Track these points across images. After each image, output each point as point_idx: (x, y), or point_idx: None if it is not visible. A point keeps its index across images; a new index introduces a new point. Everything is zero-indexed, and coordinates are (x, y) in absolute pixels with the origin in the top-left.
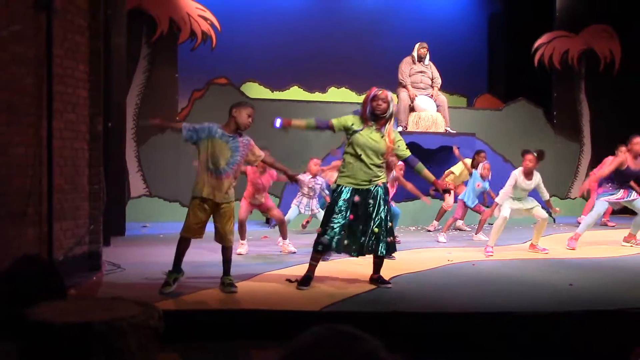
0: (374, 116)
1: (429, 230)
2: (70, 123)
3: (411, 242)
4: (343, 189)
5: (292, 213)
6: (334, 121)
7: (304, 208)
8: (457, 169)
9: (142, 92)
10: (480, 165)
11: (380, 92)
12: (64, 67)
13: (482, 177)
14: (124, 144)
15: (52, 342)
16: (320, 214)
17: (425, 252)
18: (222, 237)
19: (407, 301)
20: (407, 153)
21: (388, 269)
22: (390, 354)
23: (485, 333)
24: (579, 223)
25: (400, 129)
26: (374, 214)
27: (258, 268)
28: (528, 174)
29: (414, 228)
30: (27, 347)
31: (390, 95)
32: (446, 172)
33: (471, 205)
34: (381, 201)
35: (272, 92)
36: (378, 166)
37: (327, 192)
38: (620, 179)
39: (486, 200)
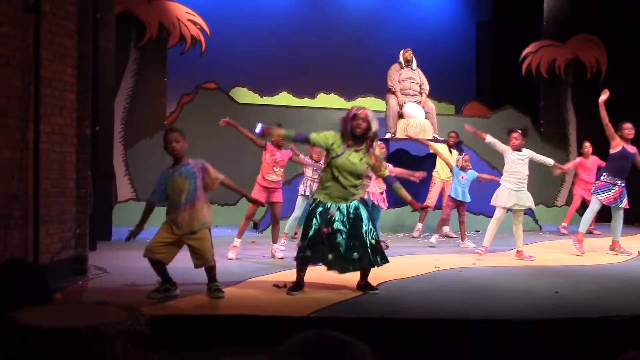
0: (354, 136)
1: (415, 237)
2: (58, 126)
3: (398, 249)
4: (319, 202)
5: (297, 211)
6: (313, 135)
7: (309, 191)
8: (440, 149)
9: (131, 96)
10: (460, 158)
11: (360, 111)
12: (52, 70)
13: (463, 169)
14: (111, 147)
15: (37, 347)
16: None
17: (412, 259)
18: (201, 260)
19: (394, 307)
20: (386, 172)
21: (375, 276)
22: (377, 359)
23: (472, 340)
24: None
25: (388, 135)
26: (356, 228)
27: (245, 273)
28: (517, 151)
29: (401, 234)
30: (11, 352)
31: (371, 114)
32: (433, 175)
33: (461, 198)
34: (360, 215)
35: (261, 97)
36: (355, 186)
37: None
38: (622, 165)
39: (482, 180)
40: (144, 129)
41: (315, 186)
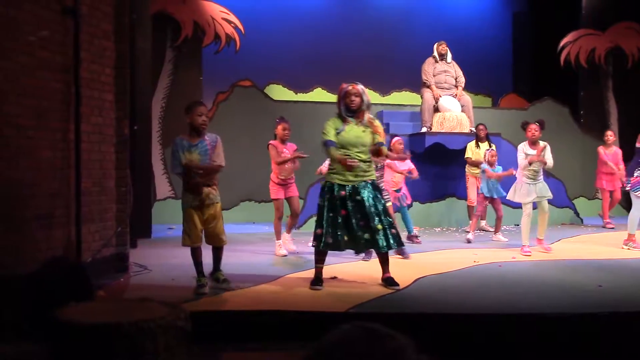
0: (351, 112)
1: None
2: (98, 126)
3: (437, 243)
4: (331, 186)
5: None
6: (326, 137)
7: None
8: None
9: (167, 95)
10: (487, 153)
11: (351, 87)
12: (91, 71)
13: (490, 164)
14: (149, 146)
15: (81, 343)
16: None
17: (451, 253)
18: (213, 238)
19: (433, 302)
20: (382, 140)
21: (413, 270)
22: (418, 353)
23: (513, 335)
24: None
25: (424, 129)
26: (366, 209)
27: (282, 270)
28: (534, 144)
29: (438, 229)
30: (56, 348)
31: (361, 87)
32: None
33: (491, 195)
34: (371, 196)
35: (296, 93)
36: (365, 161)
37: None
38: None
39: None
40: (181, 128)
41: None
